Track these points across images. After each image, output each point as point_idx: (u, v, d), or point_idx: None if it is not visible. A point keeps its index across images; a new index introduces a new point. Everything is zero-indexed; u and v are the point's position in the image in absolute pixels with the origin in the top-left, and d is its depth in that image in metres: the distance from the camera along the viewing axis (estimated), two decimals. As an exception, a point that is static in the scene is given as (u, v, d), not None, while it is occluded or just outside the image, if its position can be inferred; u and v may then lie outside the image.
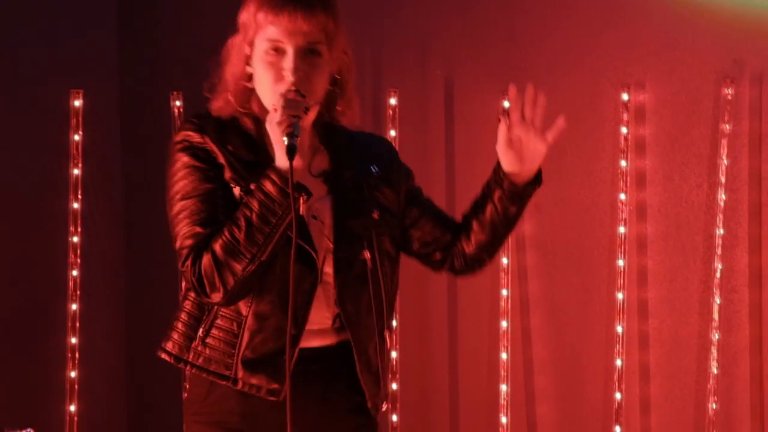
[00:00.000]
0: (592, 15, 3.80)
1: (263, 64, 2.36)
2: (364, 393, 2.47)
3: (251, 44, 2.38)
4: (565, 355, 3.85)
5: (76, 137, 3.99)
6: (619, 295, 3.68)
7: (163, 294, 4.28)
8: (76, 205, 3.98)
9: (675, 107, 3.67)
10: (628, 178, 3.70)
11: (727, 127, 3.55)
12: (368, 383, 2.47)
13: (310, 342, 2.41)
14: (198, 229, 2.35)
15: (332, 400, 2.47)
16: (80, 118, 3.99)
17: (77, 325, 3.97)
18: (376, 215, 2.46)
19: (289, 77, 2.33)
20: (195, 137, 2.40)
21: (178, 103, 4.12)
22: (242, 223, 2.32)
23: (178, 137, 2.42)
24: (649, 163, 3.72)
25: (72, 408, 3.96)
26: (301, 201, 2.30)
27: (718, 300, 3.56)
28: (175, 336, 2.42)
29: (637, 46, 3.72)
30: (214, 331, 2.40)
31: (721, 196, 3.56)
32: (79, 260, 4.00)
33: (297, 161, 2.28)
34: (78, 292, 3.98)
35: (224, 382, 2.39)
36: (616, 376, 3.67)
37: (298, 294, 2.35)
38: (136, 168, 4.50)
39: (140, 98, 4.48)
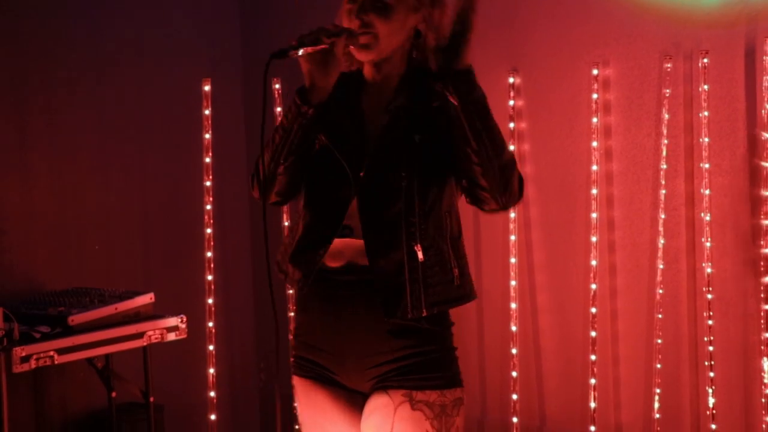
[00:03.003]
0: (571, 12, 3.77)
1: (343, 13, 2.16)
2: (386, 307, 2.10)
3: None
4: (557, 258, 3.84)
5: (207, 111, 3.93)
6: (593, 215, 3.69)
7: (277, 217, 4.14)
8: (208, 160, 3.95)
9: (631, 78, 3.68)
10: (598, 130, 3.71)
11: (667, 91, 3.57)
12: (385, 290, 2.10)
13: (344, 260, 2.14)
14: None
15: (373, 320, 2.12)
16: (210, 98, 3.93)
17: (212, 243, 3.95)
18: (417, 138, 2.12)
19: (355, 19, 2.12)
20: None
21: (277, 86, 4.08)
22: (275, 132, 2.15)
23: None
24: (613, 119, 3.72)
25: (210, 300, 3.95)
26: (306, 110, 2.08)
27: (662, 216, 3.59)
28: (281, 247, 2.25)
29: (603, 34, 3.71)
30: (287, 240, 2.24)
31: (664, 141, 3.57)
32: (211, 199, 3.95)
33: (316, 74, 2.07)
34: (212, 221, 3.95)
35: (281, 276, 2.21)
36: (592, 273, 3.70)
37: (336, 202, 2.13)
38: (256, 134, 4.38)
39: (254, 82, 4.37)
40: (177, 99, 4.23)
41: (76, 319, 3.35)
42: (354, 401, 2.20)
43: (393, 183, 2.10)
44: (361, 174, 2.12)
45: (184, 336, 3.63)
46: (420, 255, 2.11)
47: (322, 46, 2.06)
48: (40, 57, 3.87)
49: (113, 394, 3.63)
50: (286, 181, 2.15)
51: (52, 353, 3.27)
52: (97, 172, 4.03)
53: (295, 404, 2.29)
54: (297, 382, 2.25)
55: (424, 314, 2.11)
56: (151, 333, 3.53)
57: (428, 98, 2.14)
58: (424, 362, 2.13)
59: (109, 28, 4.08)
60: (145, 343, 3.52)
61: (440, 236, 2.14)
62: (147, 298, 3.58)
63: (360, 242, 2.12)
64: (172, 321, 3.59)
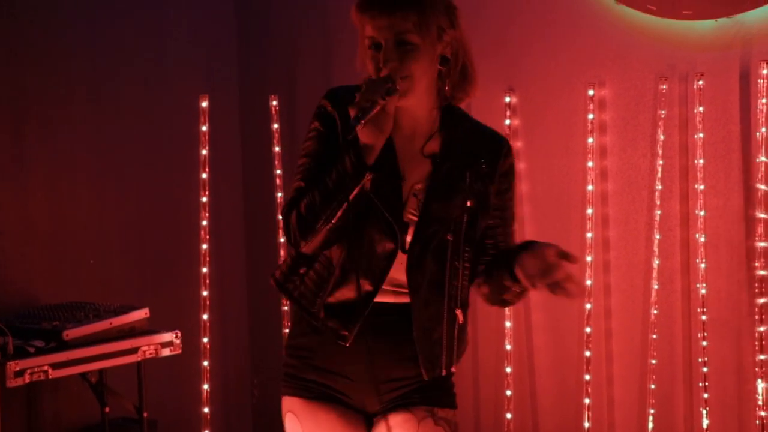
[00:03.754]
0: (567, 33, 3.79)
1: (368, 59, 2.08)
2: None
3: (362, 40, 2.10)
4: None
5: (204, 128, 3.97)
6: (588, 234, 3.70)
7: (271, 237, 4.26)
8: (204, 176, 3.97)
9: (626, 99, 3.71)
10: (594, 150, 3.72)
11: (663, 112, 3.59)
12: (423, 349, 2.14)
13: (386, 298, 2.13)
14: (302, 184, 2.10)
15: (396, 349, 2.14)
16: (207, 115, 3.97)
17: (207, 259, 3.97)
18: (470, 203, 2.12)
19: (384, 68, 2.04)
20: (327, 106, 2.13)
21: (275, 102, 4.12)
22: (322, 187, 2.04)
23: (319, 103, 2.15)
24: (608, 140, 3.74)
25: (205, 316, 3.96)
26: (367, 177, 2.02)
27: (657, 236, 3.60)
28: (285, 268, 2.19)
29: (599, 55, 3.73)
30: (311, 273, 2.14)
31: (659, 162, 3.59)
32: (207, 214, 3.98)
33: (374, 139, 2.01)
34: (207, 236, 3.97)
35: (309, 317, 2.15)
36: (586, 293, 3.70)
37: (379, 257, 2.10)
38: (250, 150, 4.49)
39: (251, 98, 4.47)
40: (174, 115, 4.26)
41: (71, 333, 3.36)
42: (358, 419, 2.20)
43: (440, 245, 2.11)
44: (409, 231, 2.11)
45: (178, 351, 3.64)
46: (460, 318, 2.17)
47: (378, 108, 1.99)
48: (38, 72, 3.88)
49: (107, 410, 3.63)
50: (333, 238, 2.08)
51: (46, 368, 3.28)
52: (93, 187, 4.04)
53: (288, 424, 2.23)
54: (299, 403, 2.19)
55: (453, 370, 2.21)
56: (145, 348, 3.54)
57: (472, 154, 2.14)
58: (438, 383, 2.19)
59: (108, 44, 4.10)
60: (139, 359, 3.53)
61: (468, 294, 2.20)
62: (142, 314, 3.59)
63: (390, 288, 2.13)
64: (167, 336, 3.59)
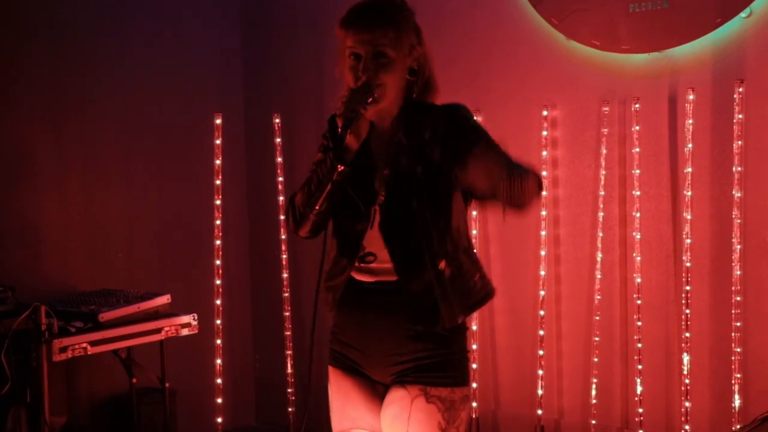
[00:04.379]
0: (526, 63, 3.84)
1: (347, 69, 2.10)
2: (416, 320, 2.10)
3: (343, 51, 2.10)
4: (511, 269, 3.88)
5: (218, 141, 4.00)
6: (543, 232, 3.76)
7: (272, 235, 4.25)
8: (218, 182, 4.00)
9: (574, 118, 3.76)
10: (547, 161, 3.77)
11: (605, 130, 3.65)
12: (419, 311, 2.10)
13: (382, 276, 2.12)
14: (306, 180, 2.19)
15: (395, 326, 2.11)
16: (220, 130, 4.00)
17: (220, 253, 3.98)
18: (418, 170, 2.05)
19: (361, 76, 2.05)
20: (330, 121, 2.19)
21: (277, 120, 4.16)
22: (311, 181, 2.12)
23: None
24: (559, 153, 3.79)
25: (218, 302, 4.00)
26: (339, 168, 2.05)
27: (600, 234, 3.66)
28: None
29: (552, 82, 3.79)
30: (330, 266, 2.19)
31: (602, 172, 3.65)
32: (219, 214, 3.99)
33: (353, 141, 2.06)
34: (220, 234, 3.99)
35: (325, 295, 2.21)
36: (540, 282, 3.76)
37: (353, 236, 2.13)
38: (254, 161, 4.49)
39: (257, 117, 4.44)
40: (192, 130, 4.31)
41: (105, 316, 3.43)
42: (375, 390, 2.21)
43: (407, 213, 2.09)
44: (376, 208, 2.12)
45: (195, 331, 3.69)
46: (447, 271, 2.09)
47: (359, 115, 2.05)
48: (78, 103, 3.95)
49: (134, 380, 3.71)
50: (318, 221, 2.16)
51: (85, 345, 3.34)
52: (122, 190, 4.10)
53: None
54: (330, 371, 2.27)
55: (459, 322, 2.13)
56: (167, 328, 3.59)
57: (421, 131, 2.10)
58: (437, 363, 2.14)
59: (138, 71, 4.18)
60: (162, 337, 3.59)
61: (456, 250, 2.13)
62: (164, 299, 3.65)
63: (386, 266, 2.12)
64: (186, 319, 3.65)
